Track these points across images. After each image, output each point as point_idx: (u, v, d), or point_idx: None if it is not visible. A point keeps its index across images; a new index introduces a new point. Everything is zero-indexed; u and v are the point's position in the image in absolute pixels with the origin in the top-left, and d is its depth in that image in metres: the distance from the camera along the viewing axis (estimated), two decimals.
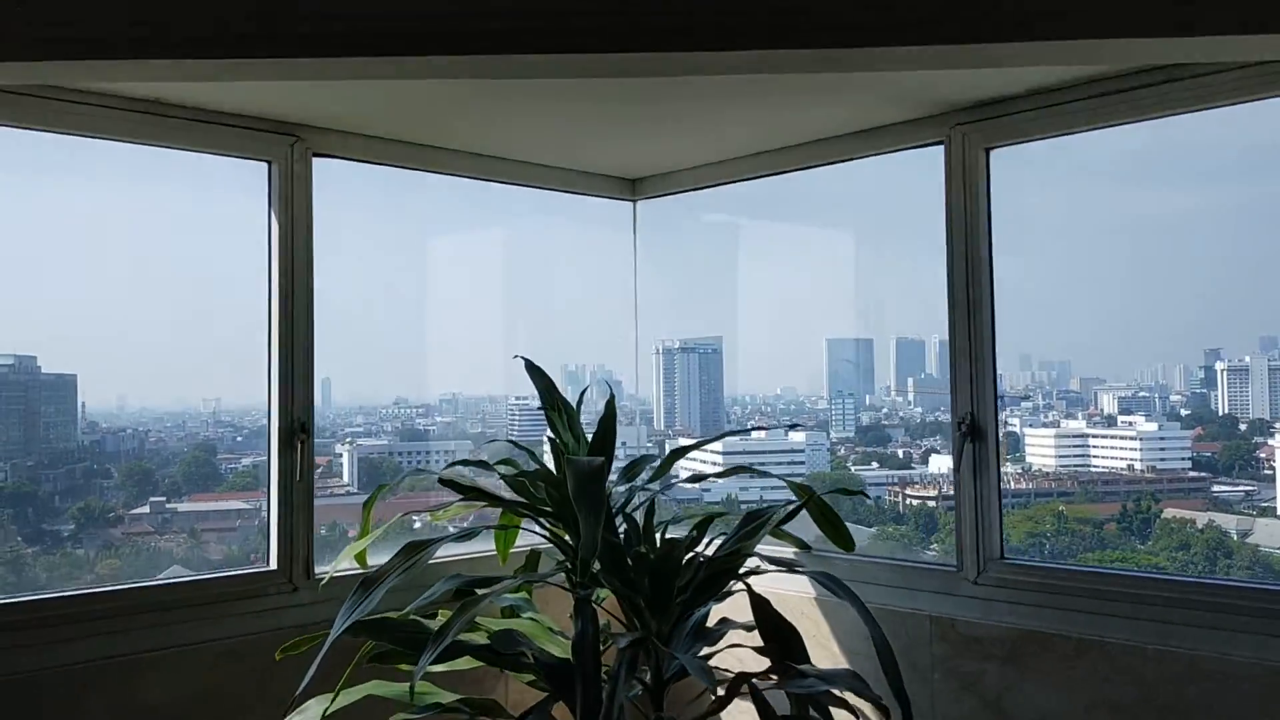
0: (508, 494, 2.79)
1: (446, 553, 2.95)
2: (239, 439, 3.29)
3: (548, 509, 2.75)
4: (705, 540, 2.83)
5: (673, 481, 3.09)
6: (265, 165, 2.99)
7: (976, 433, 2.92)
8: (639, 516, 2.89)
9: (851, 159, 3.29)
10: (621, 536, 2.75)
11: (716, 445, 3.74)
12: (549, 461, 3.00)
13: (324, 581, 2.85)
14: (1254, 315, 2.82)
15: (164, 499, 3.06)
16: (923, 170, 3.09)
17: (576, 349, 4.05)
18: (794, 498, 2.79)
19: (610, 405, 2.86)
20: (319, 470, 3.36)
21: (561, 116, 3.09)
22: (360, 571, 2.82)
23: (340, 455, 3.52)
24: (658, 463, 3.02)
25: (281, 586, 2.95)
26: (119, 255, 2.98)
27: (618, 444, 2.88)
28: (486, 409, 3.94)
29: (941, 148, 3.01)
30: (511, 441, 3.08)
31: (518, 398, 3.93)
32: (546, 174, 3.67)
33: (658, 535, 2.88)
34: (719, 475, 3.06)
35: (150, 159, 2.89)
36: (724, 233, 4.10)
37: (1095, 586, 2.72)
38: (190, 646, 2.77)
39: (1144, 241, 2.84)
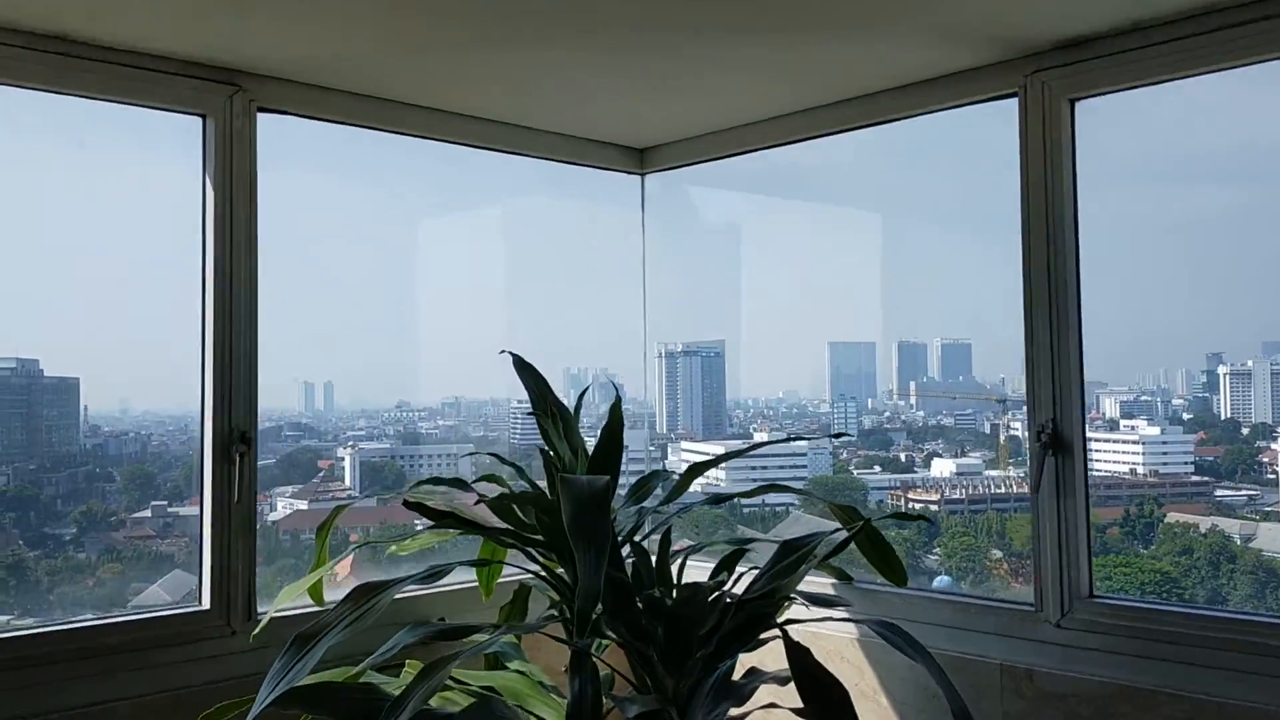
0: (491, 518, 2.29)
1: (416, 585, 2.45)
2: None
3: (538, 538, 2.25)
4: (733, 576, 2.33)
5: (690, 505, 2.57)
6: (200, 120, 2.48)
7: (1060, 445, 2.41)
8: (650, 545, 2.38)
9: (900, 118, 2.78)
10: (629, 572, 2.24)
11: (720, 450, 3.57)
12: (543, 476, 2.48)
13: (258, 629, 2.31)
14: (1256, 319, 2.71)
15: (166, 503, 2.90)
16: (954, 135, 2.85)
17: (579, 351, 3.81)
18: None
19: (616, 411, 2.34)
20: (321, 474, 3.28)
21: (558, 68, 2.58)
22: (314, 609, 2.36)
23: (343, 459, 3.35)
24: (673, 480, 2.51)
25: (218, 630, 2.44)
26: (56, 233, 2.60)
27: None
28: (489, 413, 3.76)
29: (1014, 100, 2.52)
30: (495, 456, 2.57)
31: (519, 401, 3.66)
32: (541, 139, 3.14)
33: (674, 568, 2.38)
34: (745, 495, 2.54)
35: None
36: (728, 232, 3.91)
37: (1210, 633, 2.20)
38: (108, 704, 2.28)
39: (1145, 244, 2.70)
